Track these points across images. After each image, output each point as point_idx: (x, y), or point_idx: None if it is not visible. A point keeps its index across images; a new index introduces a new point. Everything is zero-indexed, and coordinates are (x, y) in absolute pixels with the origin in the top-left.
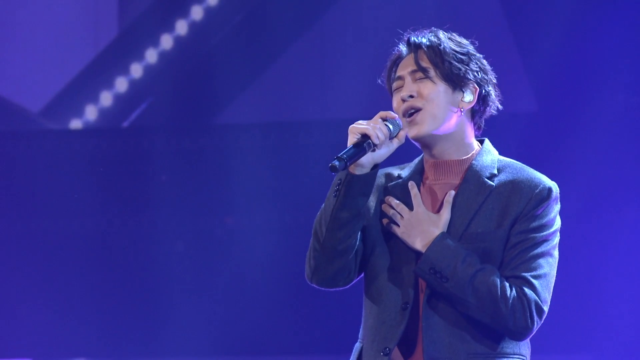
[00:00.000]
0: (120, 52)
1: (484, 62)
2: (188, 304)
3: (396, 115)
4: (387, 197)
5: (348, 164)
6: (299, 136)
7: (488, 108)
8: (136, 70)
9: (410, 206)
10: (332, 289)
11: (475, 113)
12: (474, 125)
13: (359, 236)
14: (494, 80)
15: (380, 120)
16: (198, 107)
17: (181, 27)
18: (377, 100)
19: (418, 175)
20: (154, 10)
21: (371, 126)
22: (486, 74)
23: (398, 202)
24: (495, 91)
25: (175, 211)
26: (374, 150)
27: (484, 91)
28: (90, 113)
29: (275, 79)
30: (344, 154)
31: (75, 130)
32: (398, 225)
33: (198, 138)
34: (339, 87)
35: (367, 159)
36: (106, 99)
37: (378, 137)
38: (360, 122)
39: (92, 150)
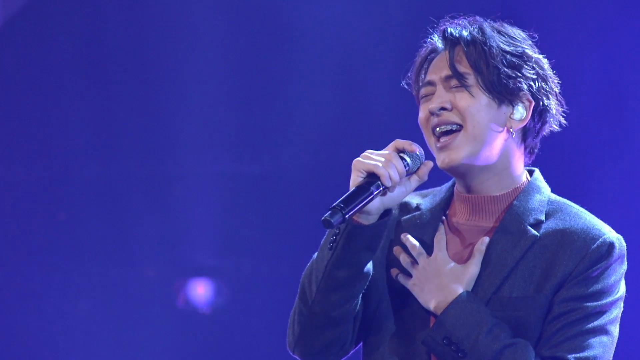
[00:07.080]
0: None
1: (545, 64)
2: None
3: (416, 147)
4: (403, 235)
5: (347, 216)
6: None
7: (546, 125)
8: None
9: (429, 250)
10: None
11: (527, 133)
12: (525, 148)
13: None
14: (556, 89)
15: (394, 153)
16: (121, 128)
17: None
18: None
19: (443, 209)
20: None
21: (382, 162)
22: (546, 81)
23: (416, 243)
24: (557, 103)
25: (82, 257)
26: (384, 194)
27: (541, 105)
28: None
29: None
30: (341, 202)
31: None
32: (410, 275)
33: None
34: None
35: (375, 205)
36: None
37: (390, 178)
38: (368, 153)
39: None
